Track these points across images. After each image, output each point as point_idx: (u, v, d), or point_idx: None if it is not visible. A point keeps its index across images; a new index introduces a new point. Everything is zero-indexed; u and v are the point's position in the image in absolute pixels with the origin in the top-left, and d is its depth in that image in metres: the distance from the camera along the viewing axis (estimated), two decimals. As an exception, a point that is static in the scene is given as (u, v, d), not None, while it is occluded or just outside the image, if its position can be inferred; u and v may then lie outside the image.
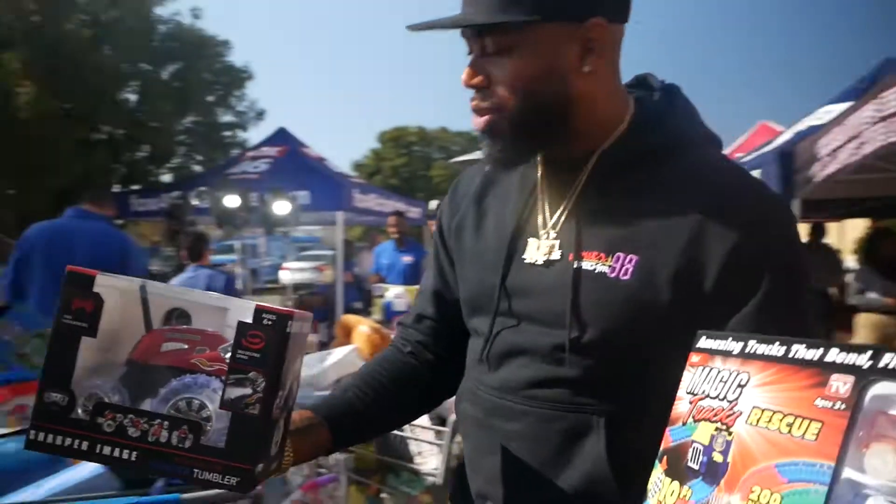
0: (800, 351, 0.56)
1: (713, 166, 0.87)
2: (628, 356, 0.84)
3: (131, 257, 3.78)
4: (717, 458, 0.58)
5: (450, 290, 1.05)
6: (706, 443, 0.59)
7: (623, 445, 0.83)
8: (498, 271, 0.92)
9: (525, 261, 0.91)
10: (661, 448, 0.64)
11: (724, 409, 0.59)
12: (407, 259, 6.23)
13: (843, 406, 0.50)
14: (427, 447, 2.29)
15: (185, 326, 0.73)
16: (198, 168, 15.60)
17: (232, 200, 5.95)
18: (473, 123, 0.89)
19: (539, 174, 0.94)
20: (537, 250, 0.90)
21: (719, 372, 0.61)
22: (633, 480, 0.75)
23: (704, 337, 0.64)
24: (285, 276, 13.56)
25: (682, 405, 0.64)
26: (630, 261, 0.82)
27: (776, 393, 0.56)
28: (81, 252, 3.34)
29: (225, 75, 16.43)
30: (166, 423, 0.71)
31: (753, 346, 0.60)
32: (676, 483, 0.61)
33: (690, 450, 0.61)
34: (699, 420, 0.61)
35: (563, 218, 0.89)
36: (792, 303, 0.81)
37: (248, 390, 0.71)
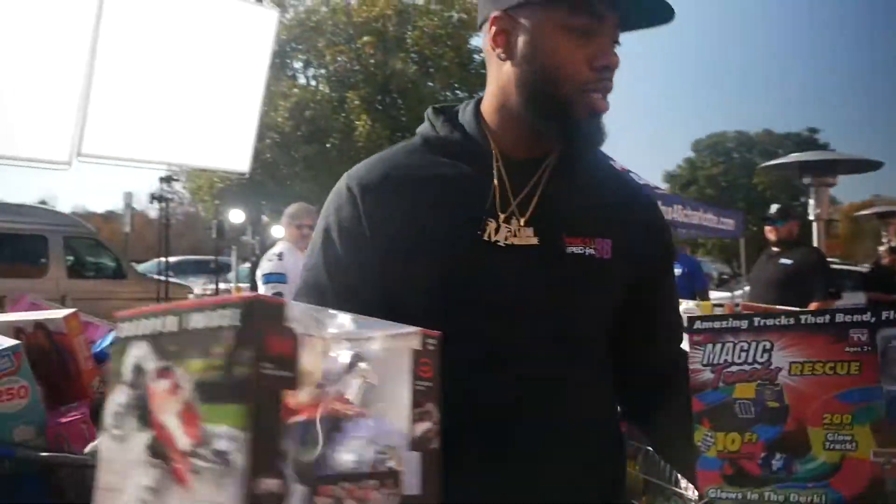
0: (810, 318, 0.75)
1: (611, 165, 1.21)
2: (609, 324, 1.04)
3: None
4: (773, 404, 0.75)
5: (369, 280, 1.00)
6: (752, 396, 0.75)
7: (608, 401, 1.07)
8: (458, 251, 0.97)
9: (484, 239, 0.96)
10: (695, 411, 0.78)
11: (758, 370, 0.75)
12: (677, 271, 5.87)
13: (869, 349, 0.72)
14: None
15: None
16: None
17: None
18: (603, 106, 0.97)
19: (496, 166, 1.00)
20: (496, 232, 0.96)
21: (736, 345, 0.77)
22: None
23: (698, 321, 0.80)
24: None
25: (704, 375, 0.79)
26: (607, 243, 0.98)
27: (806, 350, 0.74)
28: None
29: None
30: (371, 482, 0.58)
31: (759, 321, 0.77)
32: (734, 433, 0.76)
33: (736, 406, 0.76)
34: (733, 382, 0.77)
35: (532, 208, 0.98)
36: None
37: (428, 424, 0.64)
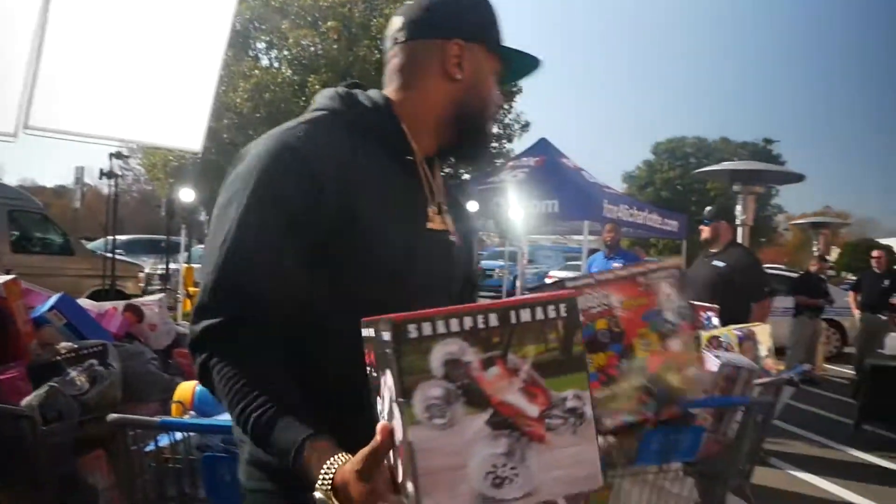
0: (619, 273, 1.18)
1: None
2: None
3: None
4: (616, 329, 1.15)
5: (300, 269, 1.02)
6: (606, 328, 1.14)
7: None
8: (414, 234, 1.10)
9: (428, 227, 1.13)
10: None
11: (606, 309, 1.15)
12: (618, 266, 6.14)
13: (648, 287, 1.17)
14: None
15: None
16: (467, 177, 16.53)
17: (472, 206, 6.10)
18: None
19: (417, 161, 1.13)
20: (435, 222, 1.14)
21: (590, 296, 1.14)
22: None
23: (567, 281, 1.15)
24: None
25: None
26: (459, 238, 1.23)
27: (623, 293, 1.16)
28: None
29: (494, 90, 17.24)
30: None
31: (596, 278, 1.16)
32: (602, 353, 1.13)
33: (599, 334, 1.14)
34: (594, 320, 1.14)
35: (438, 199, 1.17)
36: None
37: None
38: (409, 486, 0.68)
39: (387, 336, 0.68)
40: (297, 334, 1.00)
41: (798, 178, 5.47)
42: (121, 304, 2.41)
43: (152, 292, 8.71)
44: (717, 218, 4.75)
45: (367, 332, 0.75)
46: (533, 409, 0.69)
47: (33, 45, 5.56)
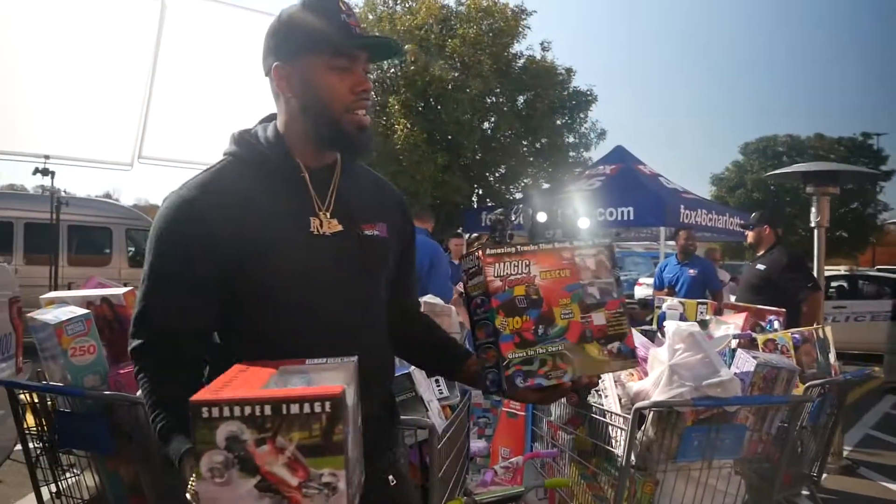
0: (544, 245, 1.26)
1: (373, 172, 1.49)
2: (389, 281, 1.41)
3: (439, 262, 5.08)
4: (534, 296, 1.20)
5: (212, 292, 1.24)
6: (524, 294, 1.20)
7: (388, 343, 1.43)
8: (299, 245, 1.24)
9: (314, 233, 1.27)
10: (494, 307, 1.17)
11: (524, 277, 1.20)
12: (692, 272, 6.38)
13: (572, 261, 1.26)
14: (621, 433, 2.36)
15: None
16: (546, 186, 16.61)
17: (541, 216, 6.25)
18: (365, 121, 1.30)
19: (304, 175, 1.30)
20: (321, 226, 1.28)
21: (510, 264, 1.20)
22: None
23: (488, 249, 1.20)
24: (640, 292, 13.69)
25: (495, 283, 1.19)
26: (384, 226, 1.37)
27: (545, 264, 1.23)
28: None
29: (570, 100, 17.21)
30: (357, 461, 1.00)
31: (518, 248, 1.23)
32: (517, 317, 1.18)
33: (517, 299, 1.19)
34: (513, 286, 1.19)
35: (332, 204, 1.31)
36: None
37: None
38: None
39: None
40: (225, 343, 1.28)
41: (876, 176, 5.21)
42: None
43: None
44: (759, 223, 4.92)
45: None
46: (294, 480, 0.86)
47: (146, 85, 6.27)
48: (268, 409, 0.85)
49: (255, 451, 0.85)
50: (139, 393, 1.32)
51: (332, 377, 0.98)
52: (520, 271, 1.20)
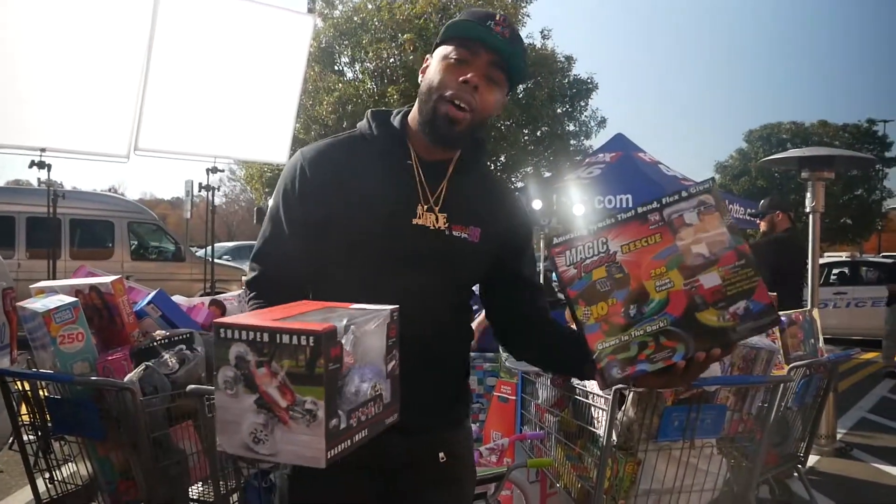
0: (621, 216, 1.12)
1: (492, 175, 1.62)
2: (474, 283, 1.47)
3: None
4: (618, 276, 1.09)
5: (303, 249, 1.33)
6: (605, 276, 1.09)
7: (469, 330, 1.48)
8: (399, 229, 1.31)
9: (416, 223, 1.31)
10: (570, 297, 1.10)
11: (603, 257, 1.09)
12: None
13: (663, 222, 1.10)
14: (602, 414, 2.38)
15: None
16: (547, 174, 16.59)
17: (536, 204, 6.26)
18: (454, 113, 1.27)
19: (411, 163, 1.35)
20: (426, 218, 1.32)
21: (583, 247, 1.11)
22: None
23: (554, 238, 1.14)
24: None
25: (569, 272, 1.11)
26: (476, 231, 1.36)
27: (627, 236, 1.10)
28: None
29: (571, 88, 17.15)
30: (371, 402, 1.02)
31: (594, 227, 1.13)
32: (602, 302, 1.09)
33: (597, 283, 1.09)
34: (590, 270, 1.10)
35: (442, 199, 1.34)
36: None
37: (394, 362, 1.07)
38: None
39: None
40: (306, 284, 1.36)
41: (871, 161, 5.19)
42: (207, 299, 2.82)
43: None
44: (770, 209, 4.94)
45: None
46: (283, 402, 0.94)
47: (140, 78, 6.30)
48: (265, 337, 0.94)
49: (255, 372, 0.95)
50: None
51: (354, 319, 1.03)
52: (596, 252, 1.10)
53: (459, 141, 1.33)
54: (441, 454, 1.39)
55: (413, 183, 1.33)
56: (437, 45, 1.35)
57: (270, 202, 1.40)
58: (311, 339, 0.92)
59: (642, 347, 1.07)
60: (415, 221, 1.31)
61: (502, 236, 1.41)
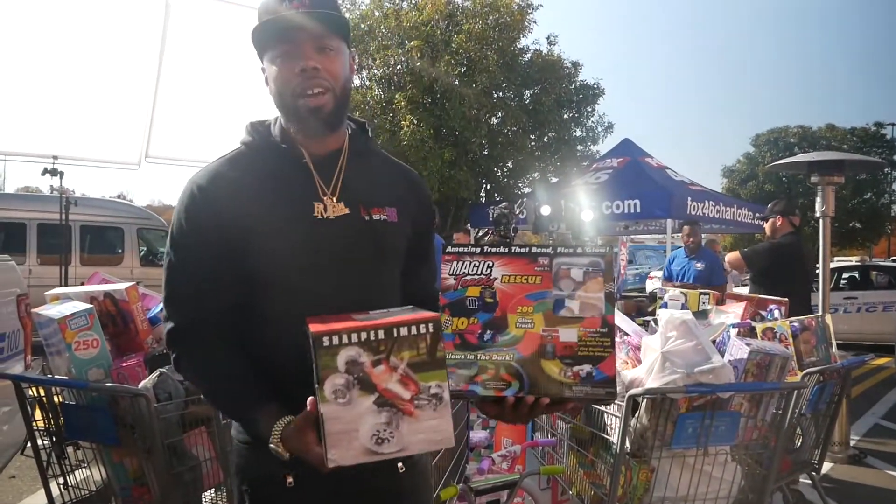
0: (517, 250, 1.16)
1: (392, 159, 1.49)
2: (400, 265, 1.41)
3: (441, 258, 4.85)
4: (489, 300, 1.14)
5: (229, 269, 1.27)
6: (477, 295, 1.14)
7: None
8: (301, 229, 1.26)
9: (317, 217, 1.28)
10: (441, 305, 1.15)
11: (483, 279, 1.14)
12: (699, 266, 6.51)
13: (548, 268, 1.15)
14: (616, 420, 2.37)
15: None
16: (554, 180, 16.56)
17: (545, 210, 6.26)
18: (314, 102, 1.26)
19: (306, 162, 1.32)
20: (325, 211, 1.29)
21: (470, 263, 1.16)
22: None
23: (450, 247, 1.17)
24: (651, 285, 13.71)
25: (448, 281, 1.16)
26: (393, 210, 1.36)
27: (511, 268, 1.15)
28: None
29: (577, 94, 17.14)
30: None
31: (487, 249, 1.16)
32: (463, 318, 1.14)
33: (468, 300, 1.14)
34: (466, 286, 1.15)
35: (338, 188, 1.32)
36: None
37: None
38: (323, 443, 0.99)
39: (310, 342, 0.97)
40: (241, 322, 1.28)
41: (881, 165, 5.17)
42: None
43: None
44: (772, 214, 5.01)
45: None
46: (407, 394, 0.97)
47: (152, 86, 6.34)
48: (381, 334, 0.96)
49: (372, 371, 0.96)
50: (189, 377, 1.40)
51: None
52: (479, 272, 1.15)
53: (336, 119, 1.32)
54: (399, 464, 1.34)
55: (312, 180, 1.32)
56: (261, 55, 1.32)
57: (167, 244, 1.32)
58: (431, 325, 0.97)
59: (481, 371, 1.12)
60: (318, 215, 1.28)
61: (414, 215, 1.41)
